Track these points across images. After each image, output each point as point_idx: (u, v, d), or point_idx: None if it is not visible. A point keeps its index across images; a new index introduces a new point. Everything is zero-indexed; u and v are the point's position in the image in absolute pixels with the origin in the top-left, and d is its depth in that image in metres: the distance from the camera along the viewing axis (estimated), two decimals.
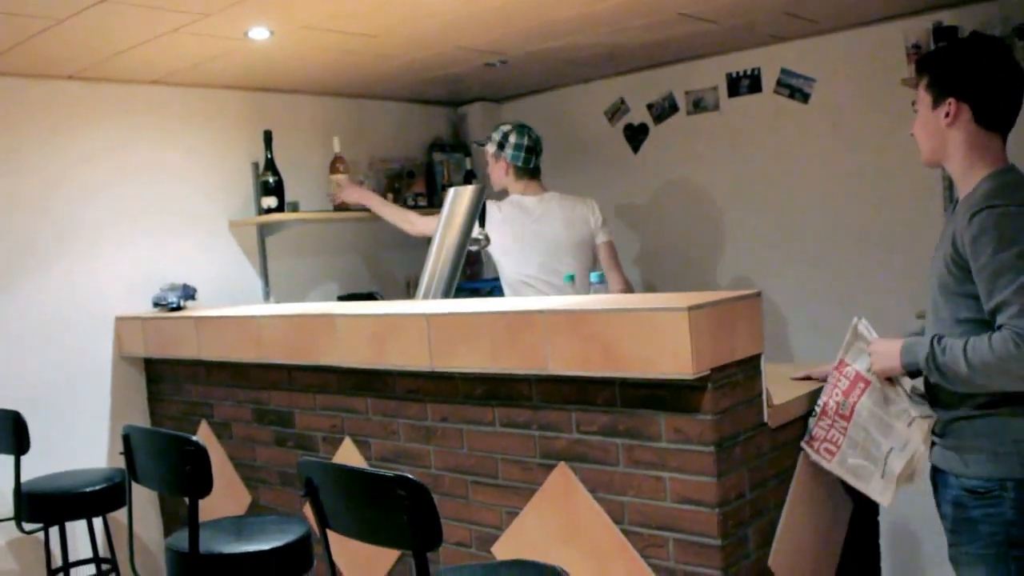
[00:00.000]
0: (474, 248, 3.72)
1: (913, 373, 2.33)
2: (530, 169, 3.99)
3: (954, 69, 2.24)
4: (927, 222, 3.91)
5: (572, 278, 3.64)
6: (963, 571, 2.26)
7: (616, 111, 4.96)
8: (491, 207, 3.92)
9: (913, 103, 2.34)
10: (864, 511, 2.92)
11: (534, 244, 3.89)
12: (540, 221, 3.92)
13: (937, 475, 2.32)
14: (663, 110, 4.77)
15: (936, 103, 2.25)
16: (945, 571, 3.77)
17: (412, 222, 4.35)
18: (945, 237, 2.23)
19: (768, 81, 4.40)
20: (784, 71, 4.33)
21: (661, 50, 4.41)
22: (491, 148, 4.05)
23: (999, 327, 2.05)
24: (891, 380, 2.37)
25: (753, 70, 4.44)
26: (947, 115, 2.22)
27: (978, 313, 2.12)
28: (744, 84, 4.48)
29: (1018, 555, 2.15)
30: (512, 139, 3.99)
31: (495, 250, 3.94)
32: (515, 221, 3.92)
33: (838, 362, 2.51)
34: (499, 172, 4.04)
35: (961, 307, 2.17)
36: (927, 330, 2.34)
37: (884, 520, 3.09)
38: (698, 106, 4.65)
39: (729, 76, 4.52)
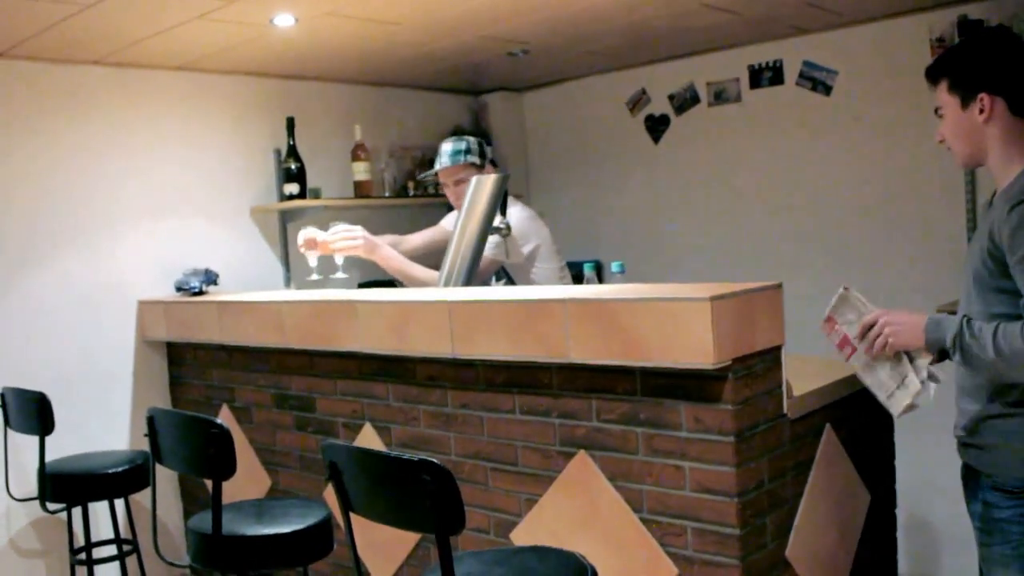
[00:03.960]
0: (496, 236, 3.72)
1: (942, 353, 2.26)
2: None
3: (979, 64, 2.18)
4: (950, 215, 3.90)
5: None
6: (995, 571, 2.22)
7: (637, 102, 4.96)
8: (522, 207, 3.84)
9: (936, 111, 2.28)
10: (881, 503, 2.93)
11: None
12: None
13: (968, 473, 2.29)
14: (684, 101, 4.76)
15: (966, 102, 2.19)
16: (961, 564, 3.79)
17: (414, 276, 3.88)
18: (982, 230, 2.19)
19: (790, 73, 4.39)
20: (806, 63, 4.32)
21: (683, 41, 4.41)
22: (475, 160, 3.77)
23: None
24: (897, 356, 2.30)
25: (775, 62, 4.44)
26: (981, 111, 2.16)
27: (1012, 308, 2.08)
28: (766, 76, 4.47)
29: None
30: (487, 146, 3.80)
31: (546, 250, 3.81)
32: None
33: (827, 318, 2.45)
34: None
35: (994, 302, 2.13)
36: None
37: (901, 512, 3.09)
38: (719, 97, 4.64)
39: (751, 68, 4.52)
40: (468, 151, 3.80)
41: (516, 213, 3.81)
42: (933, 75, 2.27)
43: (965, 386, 2.25)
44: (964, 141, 2.23)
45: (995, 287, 2.12)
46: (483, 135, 5.38)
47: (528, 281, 3.86)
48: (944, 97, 2.24)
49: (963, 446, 2.28)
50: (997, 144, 2.18)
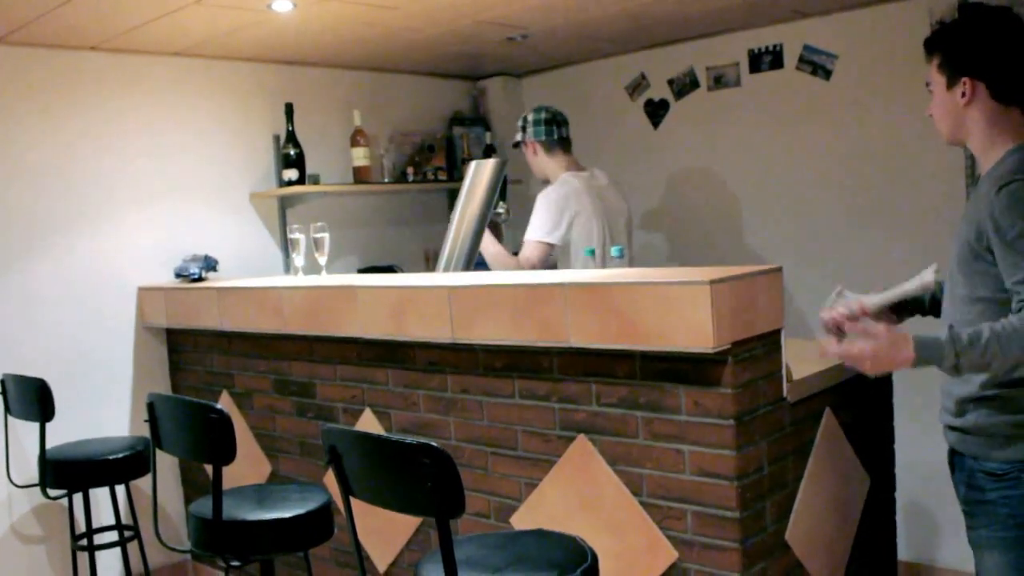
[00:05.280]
0: (496, 221, 3.72)
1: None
2: (556, 140, 3.93)
3: (965, 46, 2.18)
4: (950, 200, 3.89)
5: (621, 252, 3.61)
6: (980, 554, 2.22)
7: (637, 86, 4.94)
8: (551, 189, 3.85)
9: (927, 84, 2.27)
10: (881, 487, 2.93)
11: (598, 218, 3.83)
12: (599, 194, 3.87)
13: (954, 456, 2.29)
14: (684, 86, 4.75)
15: (951, 83, 2.19)
16: (960, 548, 3.80)
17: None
18: (968, 212, 2.18)
19: (790, 57, 4.37)
20: (806, 47, 4.31)
21: (682, 25, 4.39)
22: (518, 137, 4.01)
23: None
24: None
25: (775, 46, 4.42)
26: (963, 95, 2.17)
27: (996, 292, 2.08)
28: (766, 60, 4.45)
29: None
30: (530, 118, 3.96)
31: (561, 227, 3.79)
32: (578, 195, 3.82)
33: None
34: (530, 158, 3.99)
35: (979, 285, 2.12)
36: (943, 307, 2.31)
37: (900, 496, 3.10)
38: (719, 82, 4.63)
39: (751, 52, 4.50)
40: (516, 130, 4.05)
41: (548, 194, 3.81)
42: (928, 49, 2.27)
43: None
44: (947, 121, 2.25)
45: (980, 270, 2.11)
46: (482, 121, 5.38)
47: (569, 264, 3.82)
48: (934, 73, 2.25)
49: (948, 429, 2.28)
50: (978, 128, 2.19)
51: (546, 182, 3.96)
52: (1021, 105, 2.17)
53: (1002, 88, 2.15)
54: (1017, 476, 2.11)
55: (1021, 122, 2.17)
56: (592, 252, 3.61)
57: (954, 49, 2.20)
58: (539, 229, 3.74)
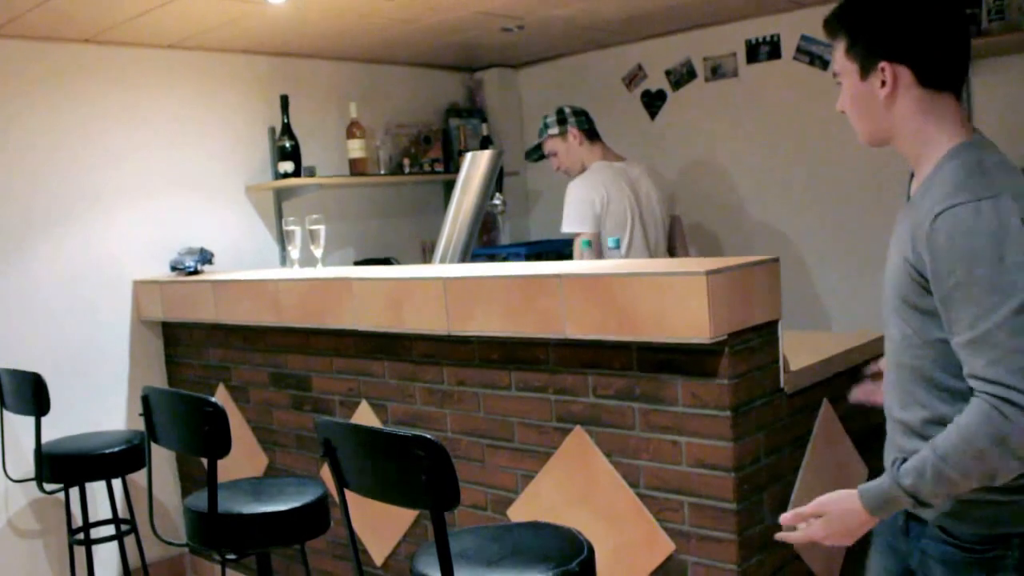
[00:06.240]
0: (492, 213, 3.70)
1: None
2: (595, 131, 3.94)
3: (879, 25, 1.70)
4: None
5: (618, 243, 3.60)
6: None
7: (634, 77, 4.93)
8: (580, 179, 3.82)
9: (834, 75, 1.81)
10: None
11: (628, 205, 3.79)
12: (630, 182, 3.83)
13: (909, 524, 1.77)
14: (681, 76, 4.74)
15: (865, 72, 1.72)
16: None
17: None
18: (904, 235, 1.70)
19: (787, 48, 4.36)
20: (804, 37, 4.29)
21: (679, 15, 4.37)
22: (554, 131, 3.92)
23: (971, 386, 1.55)
24: None
25: (772, 36, 4.40)
26: (883, 84, 1.70)
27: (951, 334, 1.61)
28: (763, 51, 4.44)
29: None
30: (568, 110, 3.93)
31: (592, 212, 3.76)
32: (610, 183, 3.77)
33: None
34: (573, 147, 3.90)
35: (931, 326, 1.65)
36: (887, 351, 1.81)
37: None
38: (716, 72, 4.62)
39: (748, 42, 4.49)
40: (546, 124, 3.94)
41: (574, 184, 3.79)
42: (830, 30, 1.79)
43: (903, 420, 1.75)
44: (864, 116, 1.78)
45: (927, 309, 1.65)
46: (478, 112, 5.36)
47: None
48: (841, 60, 1.77)
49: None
50: (906, 123, 1.73)
51: (582, 171, 3.93)
52: (954, 88, 1.72)
53: (930, 71, 1.69)
54: (1001, 552, 1.65)
55: (956, 110, 1.72)
56: (617, 243, 3.58)
57: (864, 28, 1.72)
58: (569, 221, 3.73)
